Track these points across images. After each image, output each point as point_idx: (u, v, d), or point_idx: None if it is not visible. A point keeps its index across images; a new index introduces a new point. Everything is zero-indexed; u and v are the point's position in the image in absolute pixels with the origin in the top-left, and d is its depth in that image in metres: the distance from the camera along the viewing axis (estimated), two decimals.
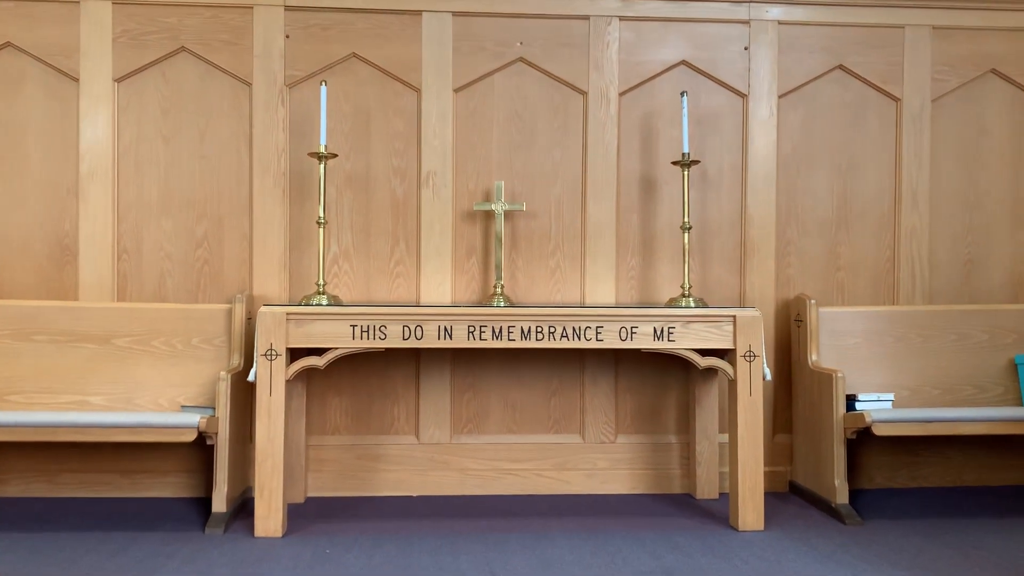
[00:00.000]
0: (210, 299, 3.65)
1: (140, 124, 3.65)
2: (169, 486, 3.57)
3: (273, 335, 3.07)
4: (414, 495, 3.66)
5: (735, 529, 3.20)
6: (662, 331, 3.19)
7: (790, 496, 3.72)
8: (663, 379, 3.79)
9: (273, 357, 3.06)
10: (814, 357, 3.62)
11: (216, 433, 3.17)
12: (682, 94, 3.56)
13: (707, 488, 3.65)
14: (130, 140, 3.65)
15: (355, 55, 3.70)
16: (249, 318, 3.49)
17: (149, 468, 3.56)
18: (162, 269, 3.65)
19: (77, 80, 3.61)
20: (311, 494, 3.63)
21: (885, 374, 3.69)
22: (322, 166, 3.41)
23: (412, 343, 3.12)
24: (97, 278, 3.60)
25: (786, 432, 3.84)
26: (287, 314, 3.08)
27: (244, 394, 3.42)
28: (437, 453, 3.70)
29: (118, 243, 3.63)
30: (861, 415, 3.23)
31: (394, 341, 3.11)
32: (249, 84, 3.66)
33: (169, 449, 3.53)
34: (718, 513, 3.42)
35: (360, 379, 3.70)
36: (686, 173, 3.55)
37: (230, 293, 3.60)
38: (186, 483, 3.57)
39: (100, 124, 3.62)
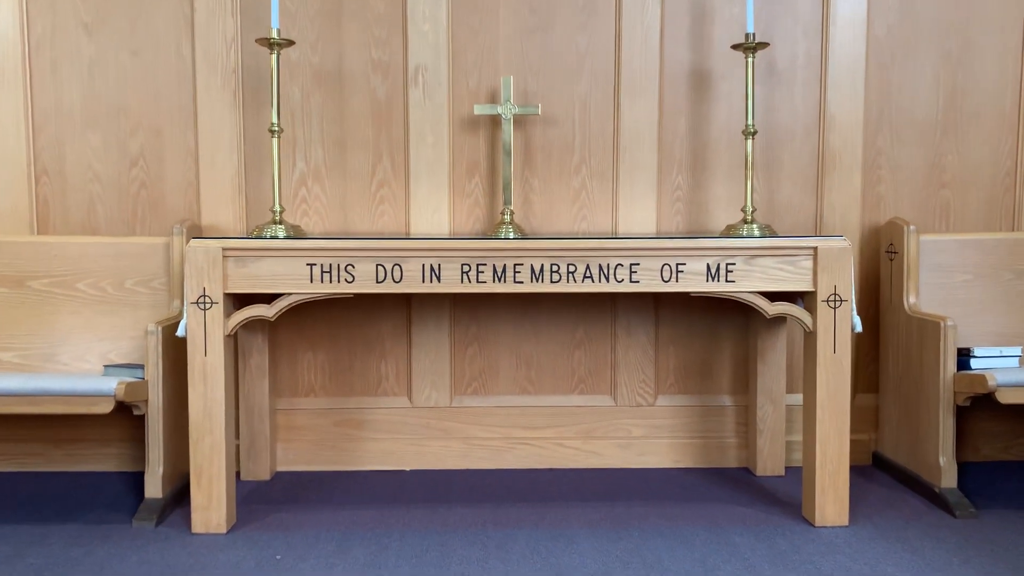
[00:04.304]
0: (150, 231, 2.94)
1: (55, 11, 2.89)
2: (111, 458, 2.95)
3: (206, 277, 2.35)
4: (406, 469, 2.99)
5: (810, 524, 2.48)
6: (718, 269, 2.41)
7: (874, 472, 2.98)
8: (715, 327, 3.03)
9: (207, 306, 2.36)
10: (912, 299, 2.82)
11: (146, 401, 2.51)
12: None
13: (770, 462, 2.92)
14: (43, 32, 2.90)
15: None
16: None
17: (86, 437, 2.94)
18: (91, 193, 2.94)
19: None
20: (281, 468, 2.97)
21: (1003, 320, 2.88)
22: (274, 56, 2.63)
23: (389, 287, 2.39)
24: (11, 206, 2.91)
25: (869, 392, 3.07)
26: (223, 250, 2.36)
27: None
28: (435, 419, 3.00)
29: (35, 162, 2.92)
30: (981, 377, 2.45)
31: (364, 285, 2.38)
32: None
33: (108, 415, 2.88)
34: (785, 497, 2.70)
35: (339, 328, 2.99)
36: (751, 60, 2.71)
37: (174, 223, 2.88)
38: (129, 455, 2.94)
39: (4, 11, 2.87)
